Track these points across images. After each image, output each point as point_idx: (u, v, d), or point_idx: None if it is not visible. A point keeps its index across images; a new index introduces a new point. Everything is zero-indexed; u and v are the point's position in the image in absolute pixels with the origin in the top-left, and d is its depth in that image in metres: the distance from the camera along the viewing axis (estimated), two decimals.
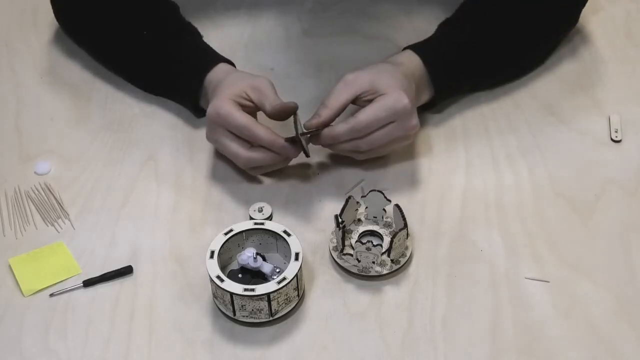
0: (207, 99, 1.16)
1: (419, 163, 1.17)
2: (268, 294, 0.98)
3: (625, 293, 1.03)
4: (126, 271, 1.06)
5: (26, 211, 1.13)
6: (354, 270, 1.04)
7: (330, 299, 1.03)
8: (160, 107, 1.25)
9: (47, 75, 1.31)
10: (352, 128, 1.09)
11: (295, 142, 1.09)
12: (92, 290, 1.05)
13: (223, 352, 0.99)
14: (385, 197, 1.07)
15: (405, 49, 1.19)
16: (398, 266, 1.05)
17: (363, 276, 1.04)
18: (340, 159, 1.16)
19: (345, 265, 1.05)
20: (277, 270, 1.03)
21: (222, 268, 1.01)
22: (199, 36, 1.25)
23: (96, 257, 1.08)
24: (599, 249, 1.07)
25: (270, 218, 1.10)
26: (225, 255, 1.04)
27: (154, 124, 1.23)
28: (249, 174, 1.15)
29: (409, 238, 1.06)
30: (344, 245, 1.05)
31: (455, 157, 1.17)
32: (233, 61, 1.21)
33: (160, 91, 1.25)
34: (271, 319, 1.00)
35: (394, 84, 1.10)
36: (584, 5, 1.27)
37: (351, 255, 1.04)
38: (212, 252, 1.01)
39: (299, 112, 1.09)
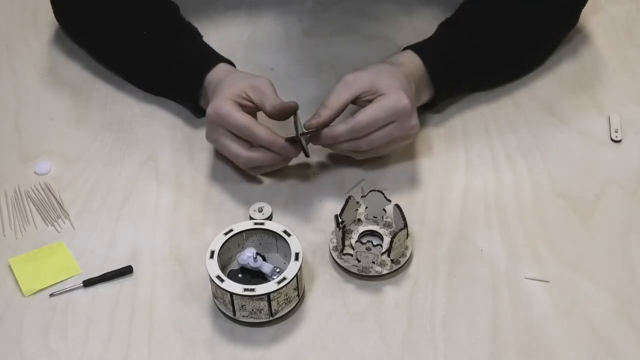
0: (207, 99, 1.16)
1: (419, 163, 1.17)
2: (268, 294, 0.98)
3: (625, 293, 1.03)
4: (126, 271, 1.06)
5: (26, 211, 1.13)
6: (354, 270, 1.04)
7: (330, 299, 1.03)
8: (160, 107, 1.25)
9: (47, 75, 1.31)
10: (352, 128, 1.09)
11: (295, 142, 1.09)
12: (92, 290, 1.05)
13: (223, 352, 0.99)
14: (385, 197, 1.07)
15: (405, 49, 1.19)
16: (398, 266, 1.05)
17: (363, 276, 1.04)
18: (340, 159, 1.16)
19: (345, 265, 1.05)
20: (277, 270, 1.03)
21: (222, 268, 1.01)
22: (199, 36, 1.25)
23: (96, 257, 1.08)
24: (599, 249, 1.07)
25: (270, 218, 1.10)
26: (225, 255, 1.04)
27: (154, 124, 1.23)
28: (249, 174, 1.15)
29: (409, 238, 1.06)
30: (344, 245, 1.05)
31: (455, 157, 1.17)
32: (233, 61, 1.21)
33: (160, 91, 1.25)
34: (271, 319, 1.00)
35: (394, 84, 1.10)
36: (584, 5, 1.27)
37: (351, 255, 1.04)
38: (212, 252, 1.01)
39: (299, 112, 1.09)
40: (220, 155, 1.16)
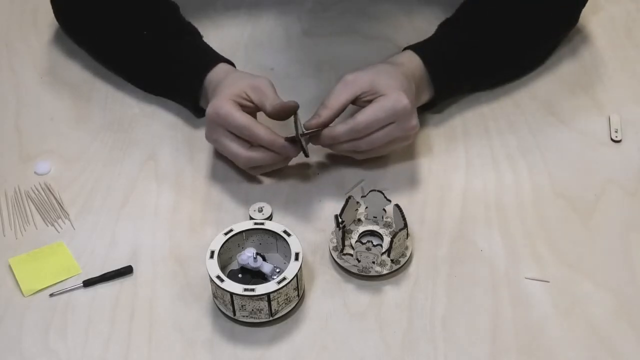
0: (207, 99, 1.16)
1: (419, 163, 1.17)
2: (268, 294, 0.98)
3: (625, 293, 1.03)
4: (126, 271, 1.06)
5: (26, 211, 1.13)
6: (354, 270, 1.04)
7: (330, 299, 1.03)
8: (160, 107, 1.25)
9: (47, 75, 1.31)
10: (351, 128, 1.09)
11: (295, 142, 1.09)
12: (92, 290, 1.05)
13: (223, 352, 0.99)
14: (385, 197, 1.07)
15: (405, 49, 1.19)
16: (398, 266, 1.05)
17: (363, 276, 1.04)
18: (340, 159, 1.16)
19: (345, 265, 1.05)
20: (277, 270, 1.03)
21: (222, 268, 1.01)
22: (199, 36, 1.25)
23: (96, 257, 1.08)
24: (599, 249, 1.07)
25: (270, 218, 1.10)
26: (225, 255, 1.04)
27: (154, 124, 1.23)
28: (249, 174, 1.15)
29: (409, 238, 1.06)
30: (344, 245, 1.05)
31: (455, 157, 1.17)
32: (233, 61, 1.21)
33: (160, 91, 1.25)
34: (271, 319, 1.00)
35: (393, 85, 1.10)
36: (584, 5, 1.27)
37: (351, 255, 1.04)
38: (212, 252, 1.01)
39: (299, 112, 1.09)
40: (220, 155, 1.16)
